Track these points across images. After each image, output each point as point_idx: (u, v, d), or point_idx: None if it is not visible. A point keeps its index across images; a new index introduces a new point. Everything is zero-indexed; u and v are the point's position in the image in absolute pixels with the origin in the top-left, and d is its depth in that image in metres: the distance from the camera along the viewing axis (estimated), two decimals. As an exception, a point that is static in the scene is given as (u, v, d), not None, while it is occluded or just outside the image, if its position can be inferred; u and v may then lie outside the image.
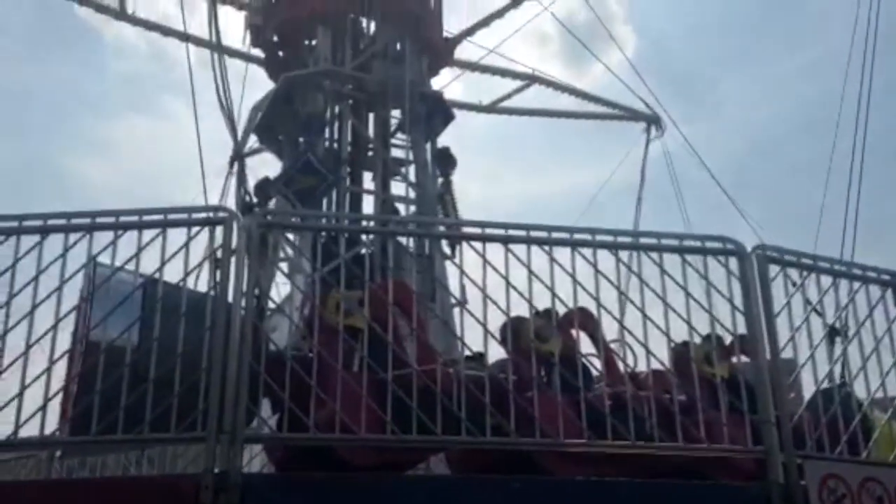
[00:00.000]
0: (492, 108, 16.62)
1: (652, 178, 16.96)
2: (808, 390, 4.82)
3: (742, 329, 4.58)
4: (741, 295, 4.53)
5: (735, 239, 4.60)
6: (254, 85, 14.52)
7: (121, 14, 13.97)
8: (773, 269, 4.55)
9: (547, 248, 4.55)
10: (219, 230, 4.24)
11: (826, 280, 4.77)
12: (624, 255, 4.68)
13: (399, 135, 13.78)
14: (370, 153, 13.62)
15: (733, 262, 4.56)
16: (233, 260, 4.18)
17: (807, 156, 30.34)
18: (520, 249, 4.64)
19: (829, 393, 4.68)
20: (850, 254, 8.58)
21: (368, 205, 13.26)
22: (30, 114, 33.42)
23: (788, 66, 35.05)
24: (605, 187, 17.51)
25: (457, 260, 5.33)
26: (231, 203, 10.52)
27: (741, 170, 33.45)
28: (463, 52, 15.34)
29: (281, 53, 14.00)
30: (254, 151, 13.59)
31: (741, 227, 14.40)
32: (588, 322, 5.04)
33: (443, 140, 13.99)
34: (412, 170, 13.46)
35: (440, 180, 13.62)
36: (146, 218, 4.23)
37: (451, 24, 14.79)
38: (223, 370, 3.93)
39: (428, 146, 13.78)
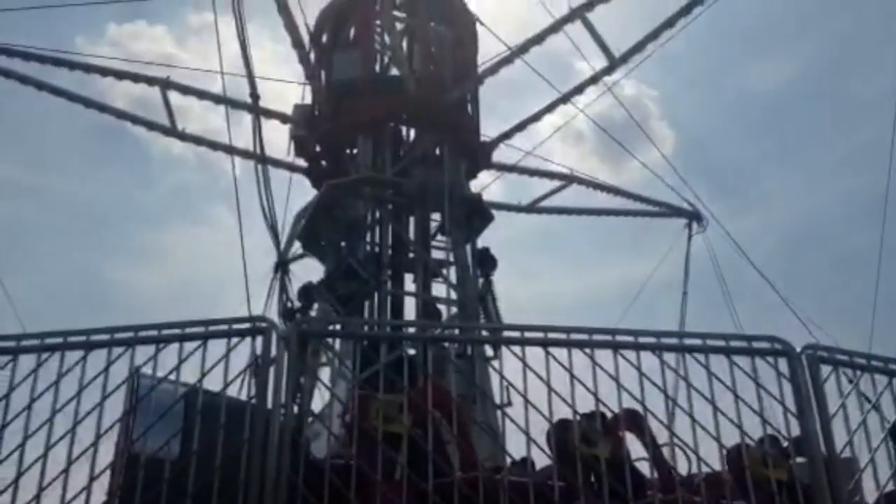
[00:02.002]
0: (531, 209, 16.76)
1: (697, 273, 16.82)
2: (870, 495, 4.59)
3: (796, 431, 4.41)
4: (793, 396, 4.39)
5: (784, 339, 4.49)
6: (298, 191, 14.89)
7: (171, 131, 14.62)
8: (825, 369, 4.41)
9: (588, 350, 4.48)
10: (259, 340, 4.27)
11: (881, 379, 4.60)
12: (670, 356, 4.59)
13: (439, 237, 13.92)
14: (411, 255, 13.74)
15: (783, 363, 4.44)
16: (272, 369, 4.19)
17: (855, 247, 29.80)
18: (562, 352, 4.57)
19: (892, 497, 4.46)
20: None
21: (410, 306, 13.31)
22: (79, 224, 34.53)
23: (830, 156, 34.90)
24: (650, 282, 17.38)
25: (499, 362, 5.27)
26: (275, 309, 10.65)
27: (787, 262, 32.93)
28: (500, 154, 15.61)
29: (323, 162, 14.37)
30: (297, 257, 13.79)
31: (791, 321, 14.09)
32: (636, 425, 4.91)
33: (483, 240, 14.11)
34: (453, 271, 13.50)
35: (481, 281, 13.64)
36: (188, 330, 4.29)
37: (489, 127, 15.12)
38: (261, 482, 3.88)
39: (468, 247, 13.87)
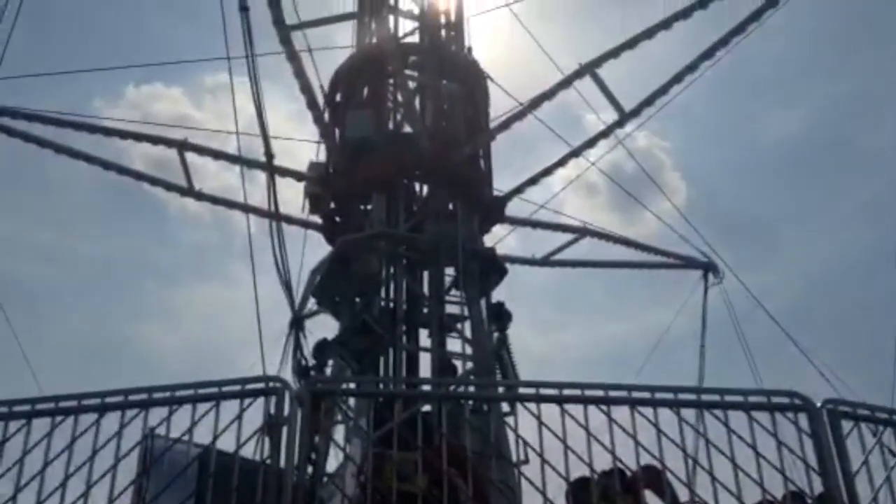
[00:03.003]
0: (545, 262, 16.75)
1: (714, 323, 16.71)
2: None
3: (819, 488, 4.32)
4: (815, 452, 4.31)
5: (804, 394, 4.42)
6: (312, 247, 14.99)
7: (188, 191, 14.84)
8: (847, 425, 4.34)
9: (605, 407, 4.42)
10: (272, 400, 4.25)
11: (905, 434, 4.51)
12: (688, 412, 4.53)
13: (454, 291, 13.89)
14: (425, 311, 13.72)
15: (803, 419, 4.37)
16: (285, 429, 4.16)
17: (874, 295, 29.51)
18: (578, 408, 4.52)
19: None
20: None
21: (426, 361, 13.23)
22: (98, 284, 34.86)
23: (845, 205, 34.82)
24: (667, 333, 17.27)
25: (515, 419, 5.21)
26: (290, 366, 10.62)
27: (806, 312, 32.62)
28: (514, 206, 15.67)
29: (337, 218, 14.47)
30: (312, 314, 13.79)
31: (811, 371, 13.91)
32: (656, 482, 4.83)
33: (498, 294, 14.08)
34: (468, 326, 13.45)
35: (496, 335, 13.57)
36: (201, 391, 4.29)
37: (502, 180, 15.20)
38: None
39: (483, 302, 13.83)
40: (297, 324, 10.67)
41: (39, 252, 32.55)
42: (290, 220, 14.92)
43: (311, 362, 10.83)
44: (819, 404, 4.37)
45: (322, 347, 12.25)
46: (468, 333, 13.35)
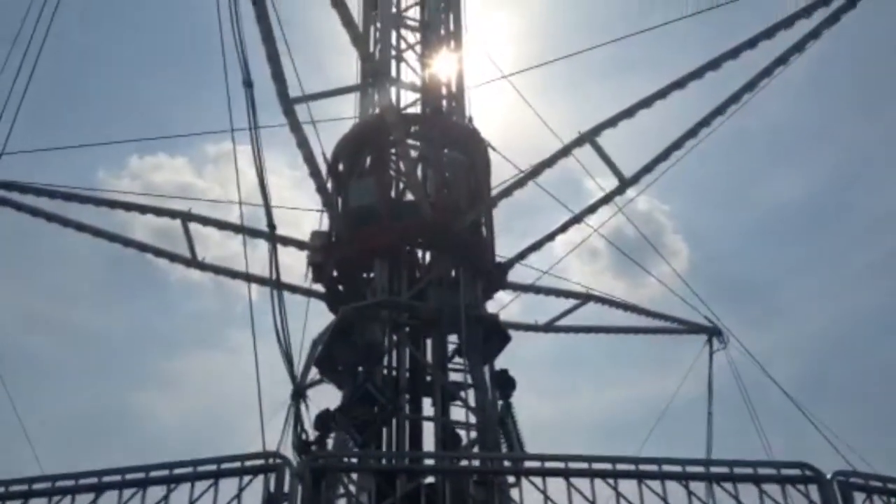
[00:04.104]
0: (549, 328, 16.68)
1: (721, 388, 16.55)
2: None
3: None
4: (828, 525, 4.20)
5: (814, 466, 4.33)
6: (315, 314, 14.96)
7: (191, 262, 14.92)
8: (859, 497, 4.24)
9: (612, 480, 4.34)
10: (272, 476, 4.17)
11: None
12: (697, 485, 4.44)
13: (457, 359, 13.78)
14: (429, 379, 13.58)
15: (814, 490, 4.28)
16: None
17: (886, 358, 29.28)
18: (585, 481, 4.44)
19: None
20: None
21: (430, 430, 13.04)
22: (99, 354, 34.80)
23: (849, 267, 34.84)
24: (674, 399, 17.08)
25: (520, 492, 5.11)
26: (291, 440, 10.46)
27: (815, 375, 32.37)
28: (516, 272, 15.66)
29: (340, 287, 14.46)
30: (315, 383, 13.68)
31: (820, 438, 13.70)
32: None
33: (502, 360, 13.97)
34: (472, 394, 13.30)
35: (500, 403, 13.40)
36: (200, 469, 4.21)
37: (504, 245, 15.21)
38: None
39: (487, 369, 13.71)
40: (297, 396, 10.56)
41: (39, 323, 32.60)
42: (293, 289, 14.96)
43: (313, 435, 10.67)
44: (830, 476, 4.28)
45: (324, 419, 12.10)
46: (472, 402, 13.20)
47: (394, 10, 15.59)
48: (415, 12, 15.74)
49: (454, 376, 13.66)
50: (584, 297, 16.59)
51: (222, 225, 14.88)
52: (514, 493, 11.38)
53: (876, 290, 33.00)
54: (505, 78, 14.80)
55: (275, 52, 12.22)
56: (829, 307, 34.99)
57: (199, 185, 33.45)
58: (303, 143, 13.42)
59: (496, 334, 13.91)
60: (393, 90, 14.93)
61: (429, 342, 13.96)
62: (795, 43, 13.03)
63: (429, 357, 13.83)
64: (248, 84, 10.21)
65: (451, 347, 13.78)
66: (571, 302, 16.67)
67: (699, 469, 4.52)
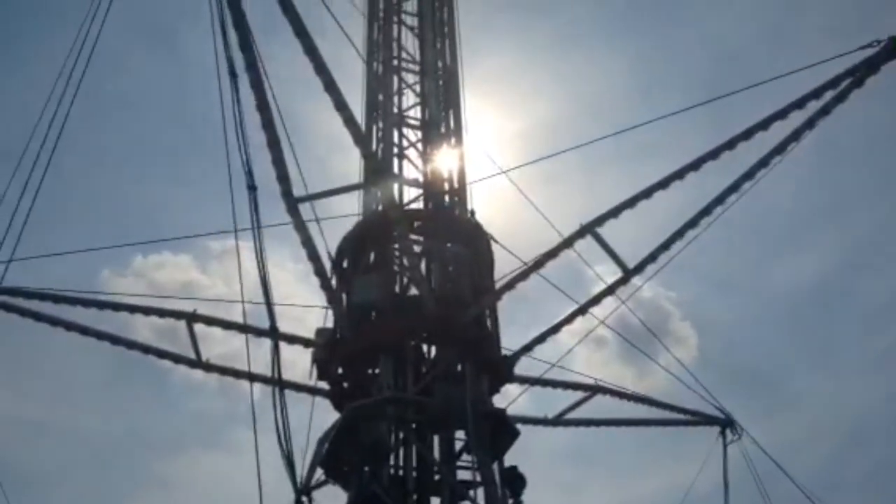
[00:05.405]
0: (557, 421, 16.42)
1: (736, 480, 16.18)
2: None
3: None
4: None
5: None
6: (320, 407, 14.76)
7: (195, 363, 14.89)
8: None
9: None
10: None
11: None
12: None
13: (465, 456, 13.53)
14: (436, 477, 13.29)
15: None
16: None
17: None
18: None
19: None
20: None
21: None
22: (101, 458, 34.29)
23: (862, 353, 34.47)
24: (690, 491, 16.68)
25: None
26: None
27: (832, 466, 31.61)
28: (523, 364, 15.46)
29: (345, 384, 14.33)
30: (320, 484, 13.39)
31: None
32: None
33: (513, 456, 13.68)
34: (481, 492, 12.98)
35: (511, 501, 13.08)
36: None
37: (510, 336, 15.06)
38: None
39: (496, 466, 13.43)
40: (301, 498, 10.31)
41: (38, 428, 32.31)
42: (297, 387, 14.84)
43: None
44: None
45: (330, 522, 11.79)
46: (481, 501, 12.88)
47: (395, 109, 15.98)
48: (416, 112, 16.12)
49: (462, 474, 13.38)
50: (593, 389, 16.39)
51: (226, 325, 14.89)
52: None
53: (890, 377, 32.57)
54: (504, 173, 15.00)
55: (279, 156, 12.49)
56: (842, 395, 34.44)
57: (202, 282, 33.54)
58: (307, 242, 13.56)
59: (505, 429, 13.68)
60: (395, 186, 15.15)
61: (436, 439, 13.74)
62: (794, 130, 13.22)
63: (436, 454, 13.58)
64: (251, 188, 10.38)
65: (458, 444, 13.55)
66: (580, 394, 16.45)
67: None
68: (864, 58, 12.64)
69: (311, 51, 12.30)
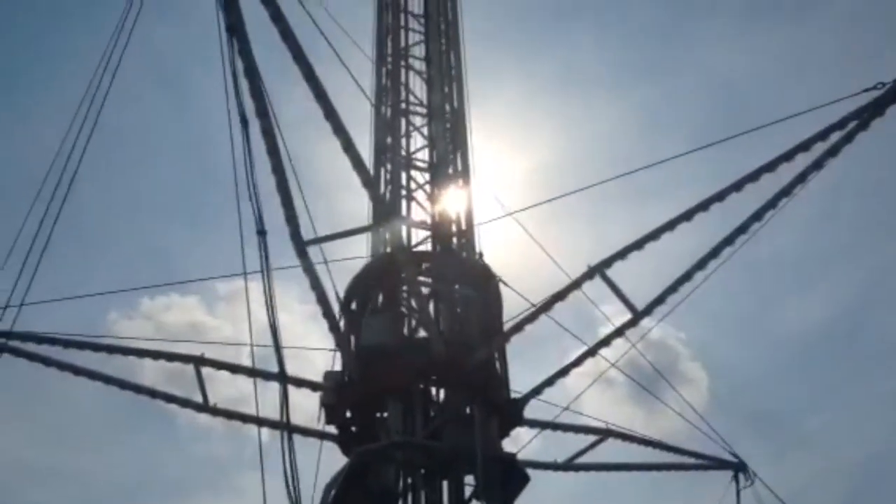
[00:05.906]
0: (568, 466, 16.23)
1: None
2: None
3: None
4: None
5: None
6: (328, 450, 14.63)
7: (203, 407, 14.84)
8: None
9: None
10: None
11: None
12: None
13: (475, 502, 13.35)
14: (446, 524, 13.10)
15: None
16: None
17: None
18: None
19: None
20: None
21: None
22: (103, 500, 33.95)
23: (874, 393, 34.09)
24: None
25: None
26: None
27: (847, 506, 30.99)
28: (533, 407, 15.33)
29: (353, 428, 14.21)
30: (327, 532, 13.20)
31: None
32: None
33: (524, 501, 13.48)
34: (490, 539, 12.78)
35: (522, 550, 12.86)
36: None
37: (519, 377, 14.94)
38: None
39: (506, 512, 13.23)
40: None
41: (47, 472, 32.09)
42: (305, 432, 14.73)
43: None
44: None
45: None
46: (492, 549, 12.68)
47: (403, 152, 16.08)
48: (424, 154, 16.23)
49: (473, 521, 13.18)
50: (604, 433, 16.25)
51: (234, 368, 14.86)
52: None
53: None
54: (511, 215, 15.04)
55: (288, 200, 12.54)
56: (856, 435, 33.97)
57: (210, 324, 33.46)
58: (315, 285, 13.55)
59: (515, 474, 13.51)
60: (403, 228, 15.18)
61: (445, 484, 13.57)
62: (800, 173, 13.24)
63: (445, 499, 13.40)
64: (261, 233, 10.41)
65: (468, 490, 13.37)
66: (591, 438, 16.29)
67: None
68: (870, 99, 12.70)
69: (321, 96, 12.42)
